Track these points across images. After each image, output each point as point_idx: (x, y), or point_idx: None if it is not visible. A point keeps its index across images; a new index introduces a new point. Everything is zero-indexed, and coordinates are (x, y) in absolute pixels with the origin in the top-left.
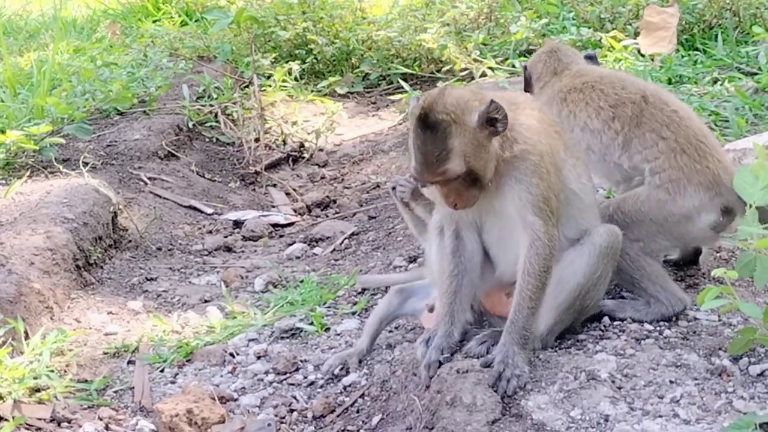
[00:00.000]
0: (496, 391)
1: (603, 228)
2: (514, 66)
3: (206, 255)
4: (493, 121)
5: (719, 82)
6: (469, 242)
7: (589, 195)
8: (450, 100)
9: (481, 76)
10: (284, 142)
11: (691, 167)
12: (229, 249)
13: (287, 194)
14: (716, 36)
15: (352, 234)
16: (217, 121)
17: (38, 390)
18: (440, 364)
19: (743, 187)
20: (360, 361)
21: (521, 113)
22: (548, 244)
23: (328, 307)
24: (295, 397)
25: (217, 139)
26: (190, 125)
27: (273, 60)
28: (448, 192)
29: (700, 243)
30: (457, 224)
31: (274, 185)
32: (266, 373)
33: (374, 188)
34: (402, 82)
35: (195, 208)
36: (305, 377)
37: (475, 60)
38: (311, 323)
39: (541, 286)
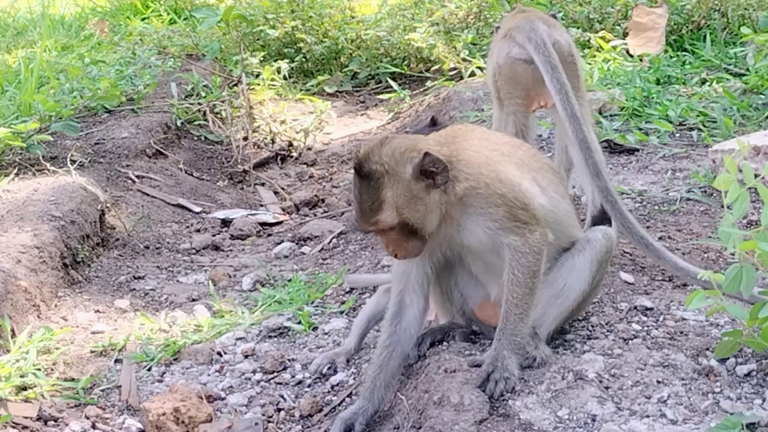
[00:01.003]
0: (483, 392)
1: (600, 233)
2: None
3: (194, 254)
4: (429, 173)
5: (707, 83)
6: (411, 308)
7: (561, 205)
8: (386, 150)
9: (469, 76)
10: (273, 141)
11: (499, 36)
12: (217, 248)
13: (275, 193)
14: (705, 37)
15: (341, 233)
16: (206, 120)
17: (25, 388)
18: None
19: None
20: (348, 361)
21: (459, 148)
22: (530, 252)
23: (316, 306)
24: (282, 396)
25: (206, 138)
26: (179, 123)
27: (262, 58)
28: (387, 242)
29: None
30: (405, 285)
31: (263, 184)
32: (254, 372)
33: None
34: (391, 82)
35: (183, 207)
36: (293, 376)
37: (464, 59)
38: (299, 322)
39: (529, 292)
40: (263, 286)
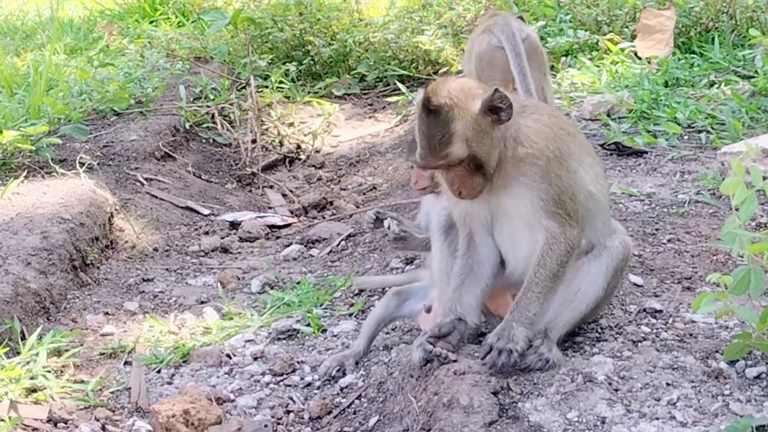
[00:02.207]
0: (484, 365)
1: (618, 240)
2: None
3: (203, 256)
4: (496, 109)
5: (716, 85)
6: (483, 245)
7: (605, 195)
8: (454, 86)
9: None
10: (281, 144)
11: (478, 32)
12: (225, 250)
13: (284, 195)
14: (713, 39)
15: (349, 235)
16: (214, 122)
17: (35, 390)
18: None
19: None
20: (357, 363)
21: (528, 117)
22: (565, 243)
23: (325, 308)
24: (291, 398)
25: (214, 140)
26: (187, 126)
27: (270, 61)
28: (453, 179)
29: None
30: (470, 228)
31: (271, 186)
32: (263, 374)
33: (371, 190)
34: (399, 84)
35: (191, 209)
36: (302, 378)
37: None
38: (308, 324)
39: (553, 277)
40: (272, 288)
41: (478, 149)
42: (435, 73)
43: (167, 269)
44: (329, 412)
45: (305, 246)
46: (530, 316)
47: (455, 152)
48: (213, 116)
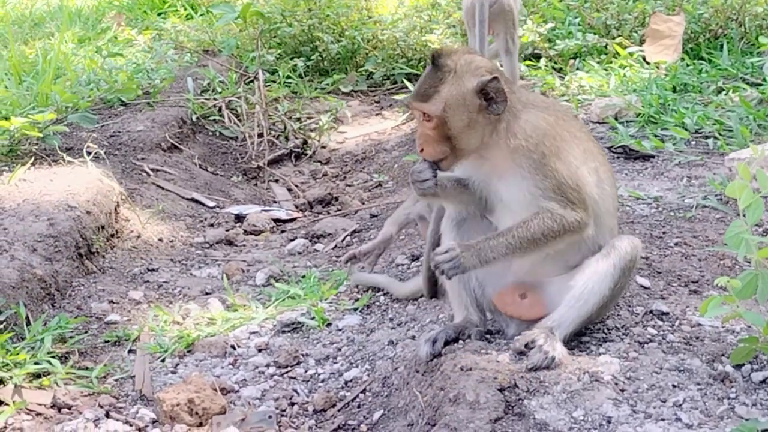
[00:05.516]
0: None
1: (626, 240)
2: (519, 69)
3: (207, 248)
4: (488, 97)
5: (724, 92)
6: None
7: (608, 201)
8: (466, 57)
9: None
10: (287, 138)
11: None
12: (230, 242)
13: (289, 190)
14: (722, 46)
15: (354, 231)
16: (221, 115)
17: (39, 376)
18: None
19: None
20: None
21: (530, 112)
22: (560, 221)
23: (330, 302)
24: (296, 391)
25: (221, 133)
26: (194, 118)
27: (278, 56)
28: (422, 133)
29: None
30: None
31: (276, 181)
32: (267, 365)
33: (376, 187)
34: (406, 82)
35: (197, 201)
36: (306, 371)
37: None
38: (313, 318)
39: (531, 240)
40: (277, 281)
41: (451, 118)
42: None
43: (172, 260)
44: (333, 405)
45: (310, 240)
46: (488, 253)
47: (429, 107)
48: (220, 109)
